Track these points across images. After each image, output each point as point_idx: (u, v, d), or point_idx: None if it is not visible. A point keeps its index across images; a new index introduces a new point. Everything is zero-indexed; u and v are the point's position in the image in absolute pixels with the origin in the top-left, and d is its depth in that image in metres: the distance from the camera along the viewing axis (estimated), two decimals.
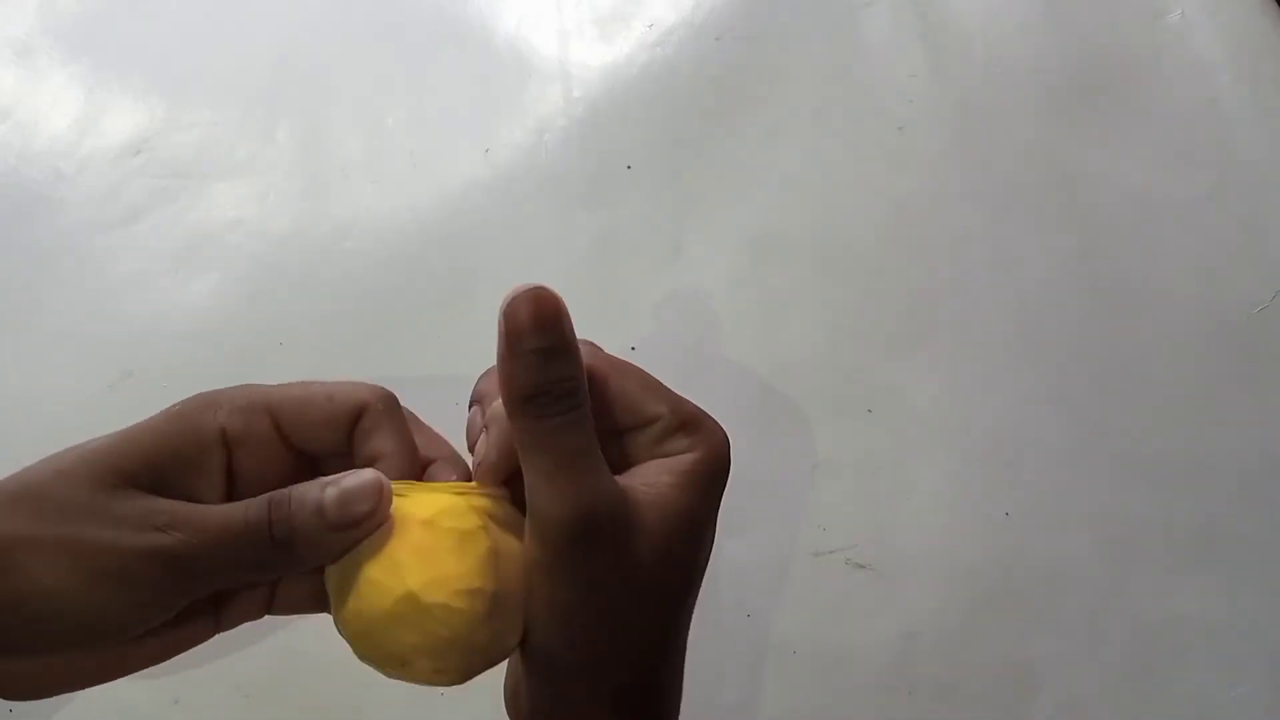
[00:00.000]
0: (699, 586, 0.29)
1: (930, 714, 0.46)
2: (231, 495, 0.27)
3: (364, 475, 0.26)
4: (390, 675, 0.27)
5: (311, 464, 0.29)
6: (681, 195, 0.56)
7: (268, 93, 0.57)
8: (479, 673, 0.27)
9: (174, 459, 0.26)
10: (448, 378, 0.51)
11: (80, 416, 0.36)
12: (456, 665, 0.26)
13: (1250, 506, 0.50)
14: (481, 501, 0.28)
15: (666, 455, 0.29)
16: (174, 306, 0.52)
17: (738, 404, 0.51)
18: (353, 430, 0.28)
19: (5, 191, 0.54)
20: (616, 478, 0.27)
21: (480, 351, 0.52)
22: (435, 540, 0.26)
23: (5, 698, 0.27)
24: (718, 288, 0.54)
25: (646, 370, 0.30)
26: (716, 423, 0.30)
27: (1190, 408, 0.52)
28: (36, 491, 0.25)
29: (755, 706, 0.46)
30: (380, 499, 0.26)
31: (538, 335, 0.26)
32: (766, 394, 0.51)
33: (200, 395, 0.28)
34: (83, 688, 0.28)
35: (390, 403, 0.29)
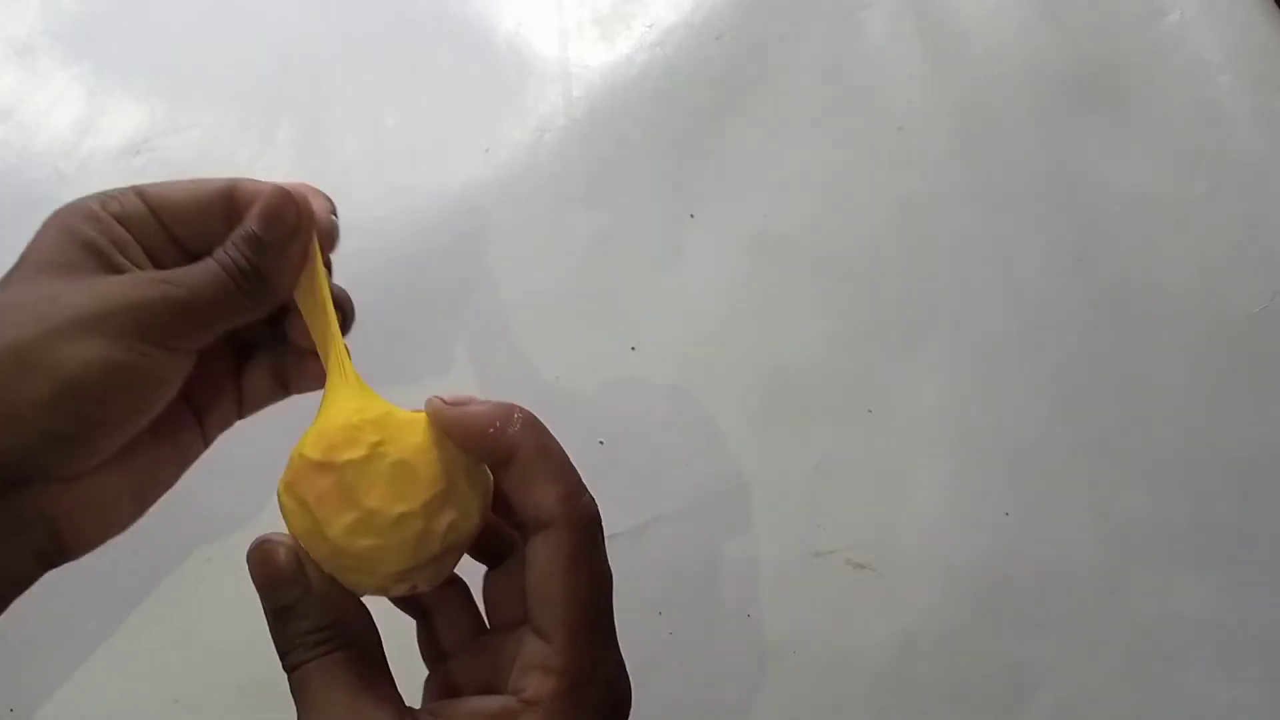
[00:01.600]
0: None
1: (930, 714, 0.46)
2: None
3: (266, 190, 0.30)
4: (371, 591, 0.27)
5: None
6: (681, 195, 0.56)
7: (268, 93, 0.57)
8: (445, 565, 0.28)
9: (101, 242, 0.29)
10: (448, 377, 0.51)
11: None
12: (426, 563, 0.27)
13: (1250, 506, 0.50)
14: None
15: (517, 691, 0.25)
16: None
17: (737, 404, 0.51)
18: (228, 217, 0.31)
19: (6, 192, 0.54)
20: (443, 703, 0.26)
21: (480, 351, 0.53)
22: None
23: (71, 556, 0.28)
24: (718, 288, 0.54)
25: (562, 453, 0.28)
26: (599, 699, 0.25)
27: (1190, 407, 0.52)
28: (48, 293, 0.27)
29: (755, 706, 0.46)
30: (290, 199, 0.30)
31: (267, 599, 0.26)
32: (766, 394, 0.51)
33: (68, 203, 0.30)
34: (127, 522, 0.30)
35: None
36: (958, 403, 0.52)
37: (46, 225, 0.30)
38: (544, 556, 0.25)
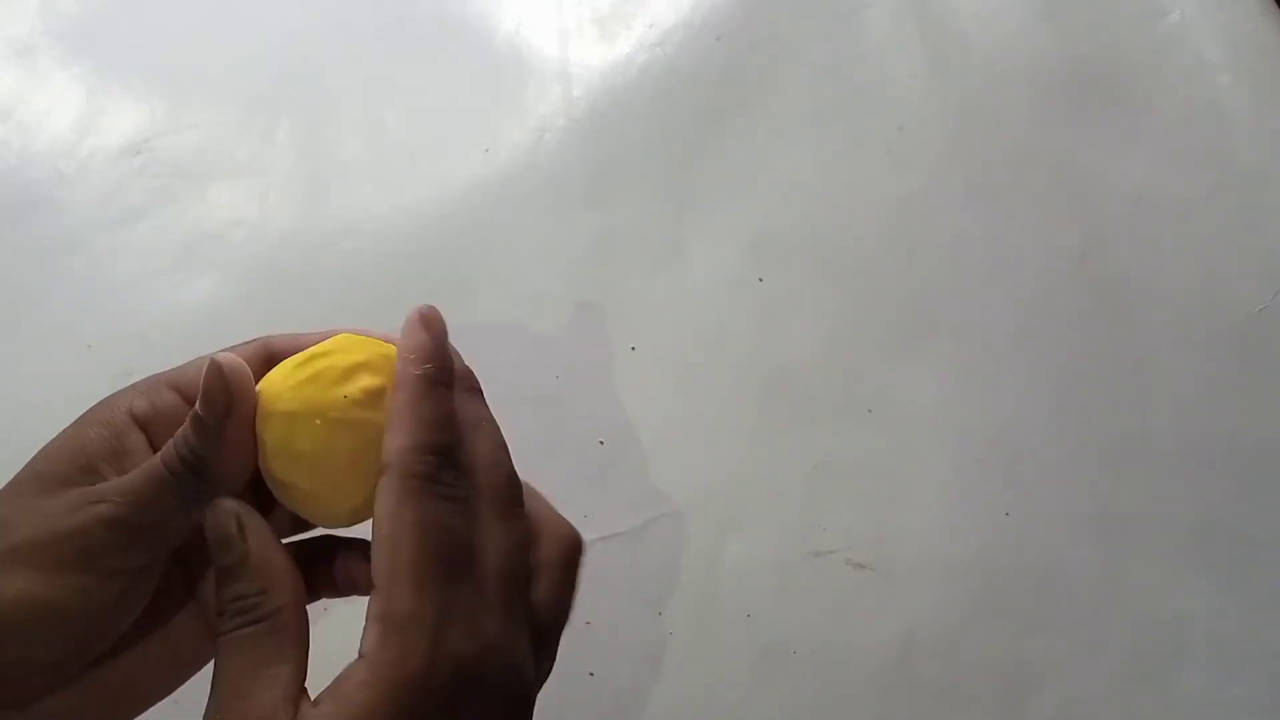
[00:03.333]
0: None
1: (930, 714, 0.46)
2: None
3: (205, 366, 0.27)
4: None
5: None
6: (681, 195, 0.56)
7: (268, 93, 0.57)
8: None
9: (98, 450, 0.27)
10: None
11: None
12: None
13: (1250, 506, 0.50)
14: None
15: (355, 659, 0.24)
16: (174, 306, 0.52)
17: (737, 404, 0.51)
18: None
19: (6, 191, 0.54)
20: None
21: (480, 351, 0.52)
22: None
23: None
24: (718, 288, 0.54)
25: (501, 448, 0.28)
26: (427, 601, 0.24)
27: (1190, 407, 0.52)
28: None
29: (755, 706, 0.46)
30: (231, 375, 0.27)
31: (216, 555, 0.26)
32: (766, 394, 0.51)
33: (115, 393, 0.29)
34: None
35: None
36: (958, 403, 0.52)
37: (77, 421, 0.28)
38: (377, 505, 0.25)
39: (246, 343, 0.30)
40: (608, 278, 0.53)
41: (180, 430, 0.27)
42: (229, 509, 0.26)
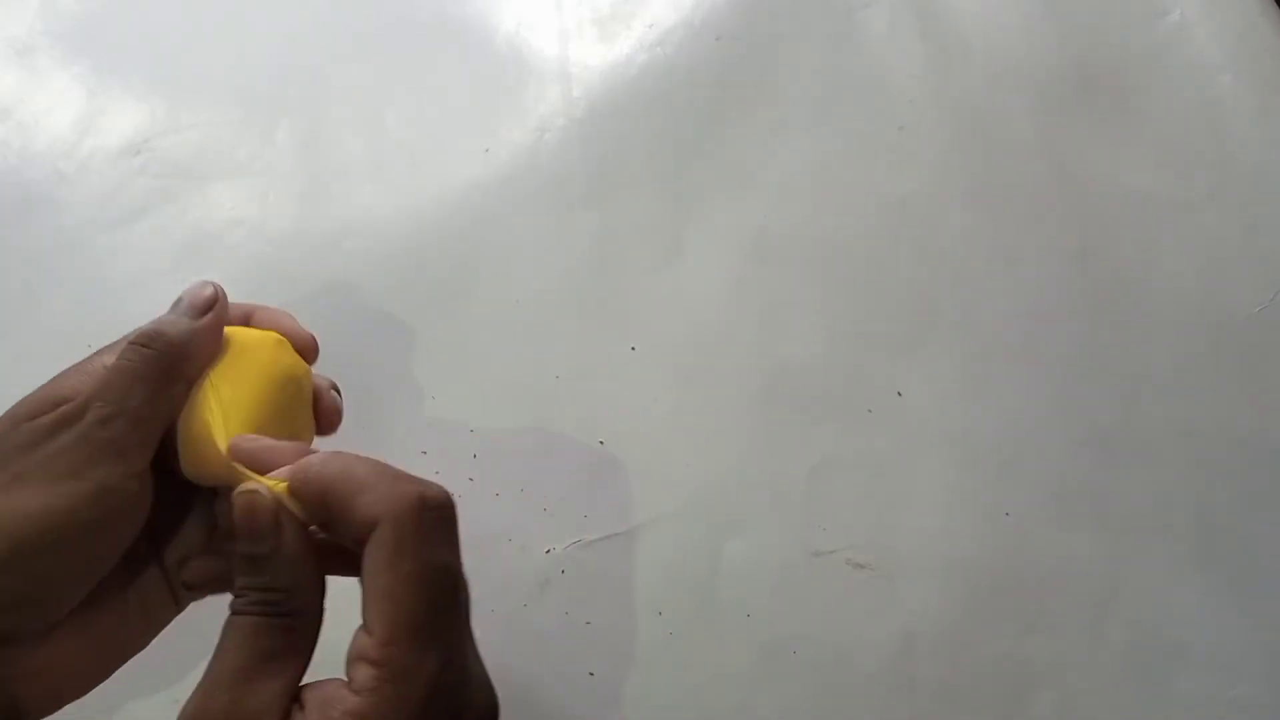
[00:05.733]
0: None
1: (930, 714, 0.46)
2: None
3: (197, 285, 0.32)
4: None
5: None
6: (681, 195, 0.56)
7: (268, 93, 0.57)
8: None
9: (74, 388, 0.30)
10: (447, 377, 0.51)
11: None
12: None
13: (1250, 506, 0.50)
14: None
15: (345, 683, 0.25)
16: None
17: (737, 404, 0.51)
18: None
19: (5, 192, 0.54)
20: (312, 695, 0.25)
21: (480, 351, 0.52)
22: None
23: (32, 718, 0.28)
24: (718, 288, 0.54)
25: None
26: (429, 656, 0.25)
27: (1190, 407, 0.52)
28: None
29: (755, 706, 0.46)
30: (217, 293, 0.32)
31: (246, 542, 0.27)
32: (766, 394, 0.51)
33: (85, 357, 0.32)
34: (89, 685, 0.29)
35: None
36: (958, 403, 0.52)
37: (54, 378, 0.31)
38: (369, 555, 0.25)
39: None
40: (608, 278, 0.53)
41: (150, 324, 0.31)
42: (268, 501, 0.27)
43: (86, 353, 0.50)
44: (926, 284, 0.54)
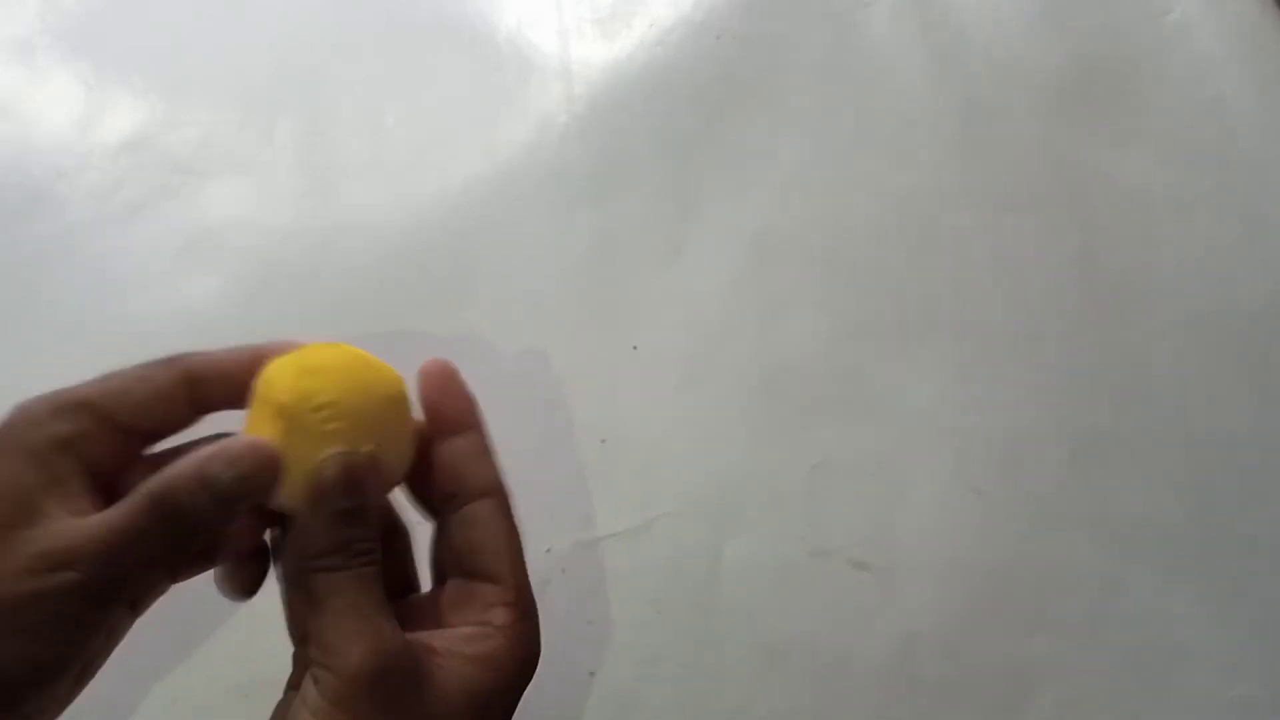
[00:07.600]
0: None
1: (930, 714, 0.46)
2: (109, 490, 0.28)
3: (239, 439, 0.28)
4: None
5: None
6: (682, 194, 0.56)
7: (268, 91, 0.57)
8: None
9: (32, 482, 0.27)
10: None
11: None
12: None
13: (1250, 506, 0.50)
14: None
15: (484, 624, 0.30)
16: (174, 304, 0.52)
17: (738, 404, 0.51)
18: (191, 399, 0.30)
19: (6, 189, 0.54)
20: (422, 632, 0.29)
21: (480, 349, 0.52)
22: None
23: None
24: (718, 287, 0.53)
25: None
26: (536, 624, 0.31)
27: (1190, 406, 0.52)
28: None
29: (755, 706, 0.46)
30: (263, 453, 0.28)
31: (345, 498, 0.28)
32: (766, 394, 0.51)
33: (9, 417, 0.28)
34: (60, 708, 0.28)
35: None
36: (957, 402, 0.52)
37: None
38: (492, 517, 0.31)
39: (51, 398, 0.29)
40: (608, 277, 0.53)
41: (150, 486, 0.26)
42: (362, 459, 0.28)
43: (86, 352, 0.50)
44: (927, 283, 0.54)
